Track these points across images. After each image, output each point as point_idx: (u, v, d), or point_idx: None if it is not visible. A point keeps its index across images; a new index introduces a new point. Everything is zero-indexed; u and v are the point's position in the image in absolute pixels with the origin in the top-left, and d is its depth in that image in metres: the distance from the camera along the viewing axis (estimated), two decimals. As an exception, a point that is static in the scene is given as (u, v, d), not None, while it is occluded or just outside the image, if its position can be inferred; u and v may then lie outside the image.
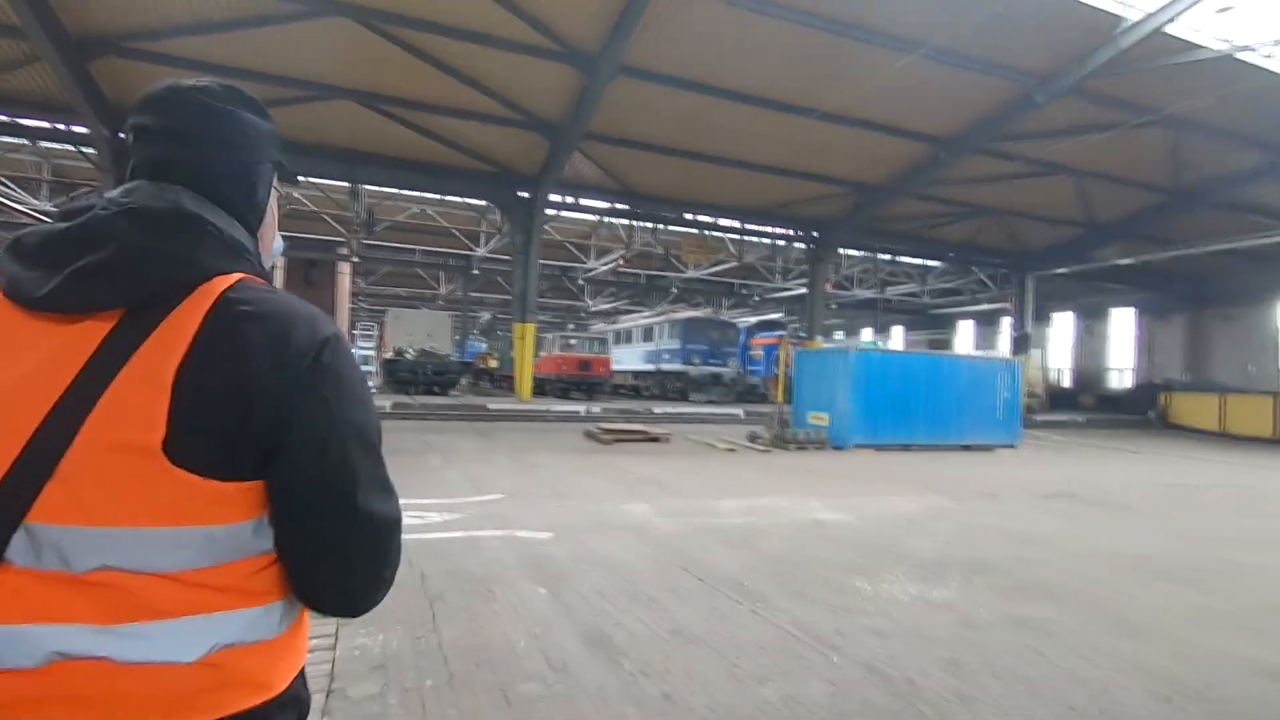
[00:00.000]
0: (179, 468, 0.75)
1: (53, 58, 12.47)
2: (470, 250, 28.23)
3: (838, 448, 14.14)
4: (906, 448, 14.64)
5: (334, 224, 21.99)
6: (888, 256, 27.29)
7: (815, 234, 22.84)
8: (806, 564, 5.33)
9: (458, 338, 32.53)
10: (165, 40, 12.90)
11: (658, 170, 18.88)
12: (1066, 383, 34.45)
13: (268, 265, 1.03)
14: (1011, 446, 15.78)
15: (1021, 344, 26.46)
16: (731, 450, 13.18)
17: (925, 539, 6.38)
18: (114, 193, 0.87)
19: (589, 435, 13.97)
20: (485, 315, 52.34)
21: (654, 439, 13.85)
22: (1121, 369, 32.50)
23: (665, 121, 16.42)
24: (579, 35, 13.20)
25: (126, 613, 0.75)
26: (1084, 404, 30.63)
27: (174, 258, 0.81)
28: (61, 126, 15.79)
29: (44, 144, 17.85)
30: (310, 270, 35.52)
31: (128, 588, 0.75)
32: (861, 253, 29.36)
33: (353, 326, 42.07)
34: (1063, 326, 35.39)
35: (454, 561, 5.02)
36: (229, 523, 0.79)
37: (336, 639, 3.49)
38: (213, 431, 0.77)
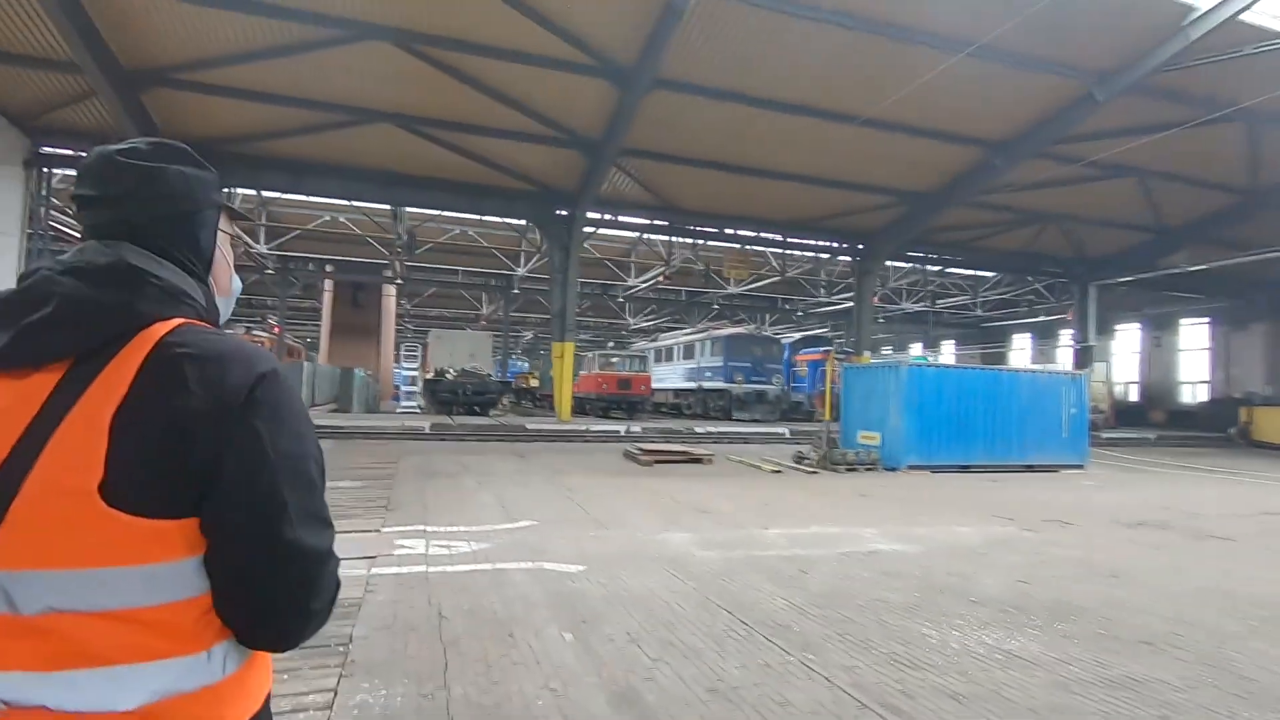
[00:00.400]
0: (116, 509, 0.78)
1: (106, 91, 12.87)
2: (510, 270, 28.36)
3: (890, 469, 13.41)
4: (964, 469, 13.81)
5: (378, 246, 22.28)
6: (937, 268, 26.29)
7: (861, 246, 22.12)
8: (863, 604, 4.78)
9: (499, 357, 32.66)
10: (212, 70, 13.20)
11: (697, 184, 18.55)
12: (1133, 398, 32.62)
13: (228, 309, 1.07)
14: (1079, 467, 14.76)
15: (1084, 357, 25.08)
16: (777, 472, 12.59)
17: (996, 575, 5.75)
18: (65, 255, 0.91)
19: (628, 456, 13.56)
20: (528, 335, 52.71)
21: (696, 460, 13.36)
22: (1194, 383, 30.58)
23: (704, 134, 16.10)
24: (614, 48, 13.01)
25: (67, 659, 0.77)
26: (1153, 420, 28.90)
27: (114, 307, 0.85)
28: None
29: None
30: (356, 293, 36.37)
31: (70, 633, 0.77)
32: (909, 264, 28.45)
33: (397, 348, 42.75)
34: (1128, 338, 33.59)
35: (476, 599, 4.65)
36: (170, 560, 0.81)
37: (335, 694, 3.14)
38: (150, 471, 0.80)
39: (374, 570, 5.27)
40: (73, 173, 18.31)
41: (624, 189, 18.71)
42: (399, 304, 39.12)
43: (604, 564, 5.70)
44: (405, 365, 26.22)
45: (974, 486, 11.73)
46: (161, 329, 0.85)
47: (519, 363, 47.21)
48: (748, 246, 22.70)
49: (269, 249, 25.03)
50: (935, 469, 13.50)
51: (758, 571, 5.64)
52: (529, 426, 17.00)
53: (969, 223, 21.26)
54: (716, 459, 13.68)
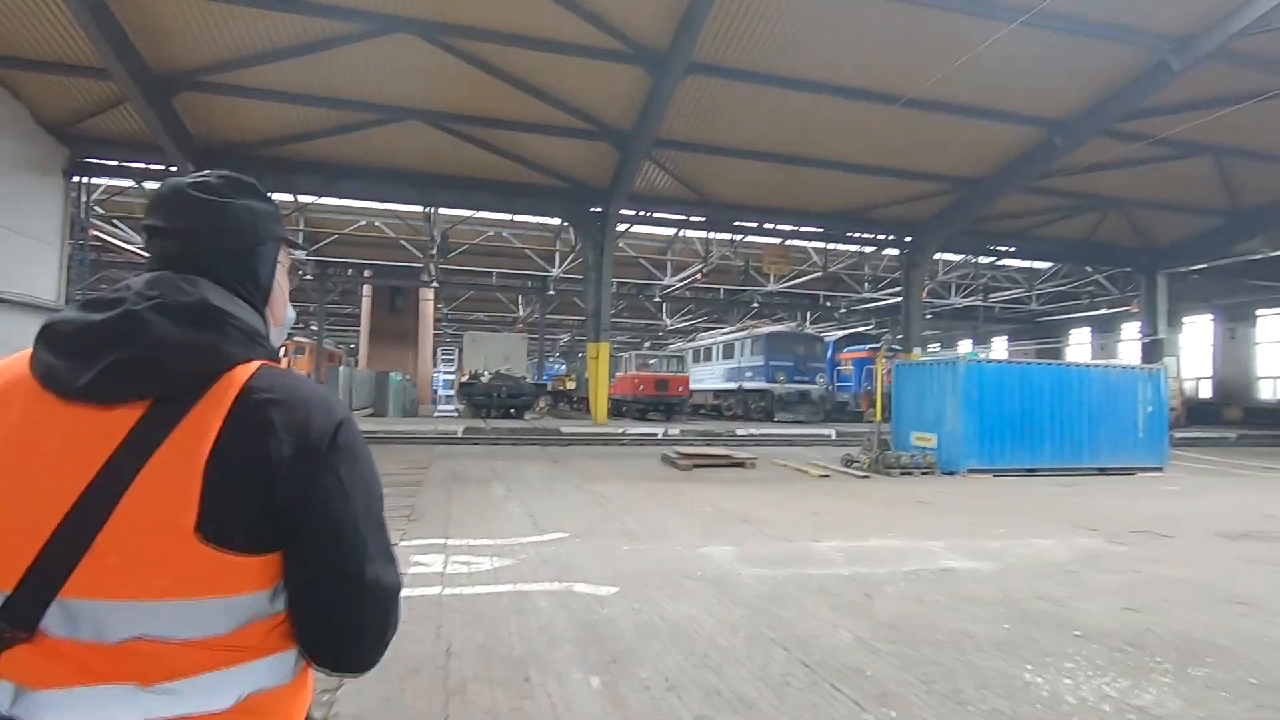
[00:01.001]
0: (209, 544, 0.82)
1: (137, 96, 12.79)
2: (545, 271, 28.01)
3: (948, 473, 12.49)
4: (1030, 472, 12.79)
5: (412, 249, 22.11)
6: (990, 259, 24.98)
7: (909, 237, 21.05)
8: (944, 639, 4.05)
9: (535, 360, 32.35)
10: (239, 71, 13.02)
11: (735, 176, 17.81)
12: (1204, 394, 30.63)
13: (280, 338, 1.08)
14: (1157, 470, 13.58)
15: (1153, 351, 23.50)
16: (825, 476, 11.79)
17: (1095, 600, 4.93)
18: (138, 284, 0.93)
19: (666, 460, 12.91)
20: (564, 337, 52.49)
21: (738, 464, 12.63)
22: (1274, 378, 28.51)
23: (741, 122, 15.37)
24: (645, 33, 12.41)
25: (160, 673, 0.83)
26: (1228, 418, 27.00)
27: (201, 350, 0.88)
28: (158, 165, 16.35)
29: (149, 185, 18.69)
30: (395, 298, 36.54)
31: (157, 654, 0.82)
32: (960, 256, 27.19)
33: (436, 352, 42.87)
34: (1198, 331, 31.56)
35: (492, 630, 4.07)
36: (250, 592, 0.86)
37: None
38: (240, 511, 0.84)
39: (383, 592, 4.72)
40: (112, 182, 18.63)
41: (658, 183, 18.09)
42: (437, 308, 39.24)
43: (638, 584, 5.07)
44: (443, 369, 26.17)
45: (1045, 492, 10.77)
46: (244, 372, 0.89)
47: (556, 365, 46.94)
48: (789, 241, 21.81)
49: (306, 255, 25.12)
50: (998, 473, 12.52)
51: (814, 594, 4.93)
52: (563, 430, 16.48)
53: (1025, 209, 20.03)
54: (759, 463, 12.94)
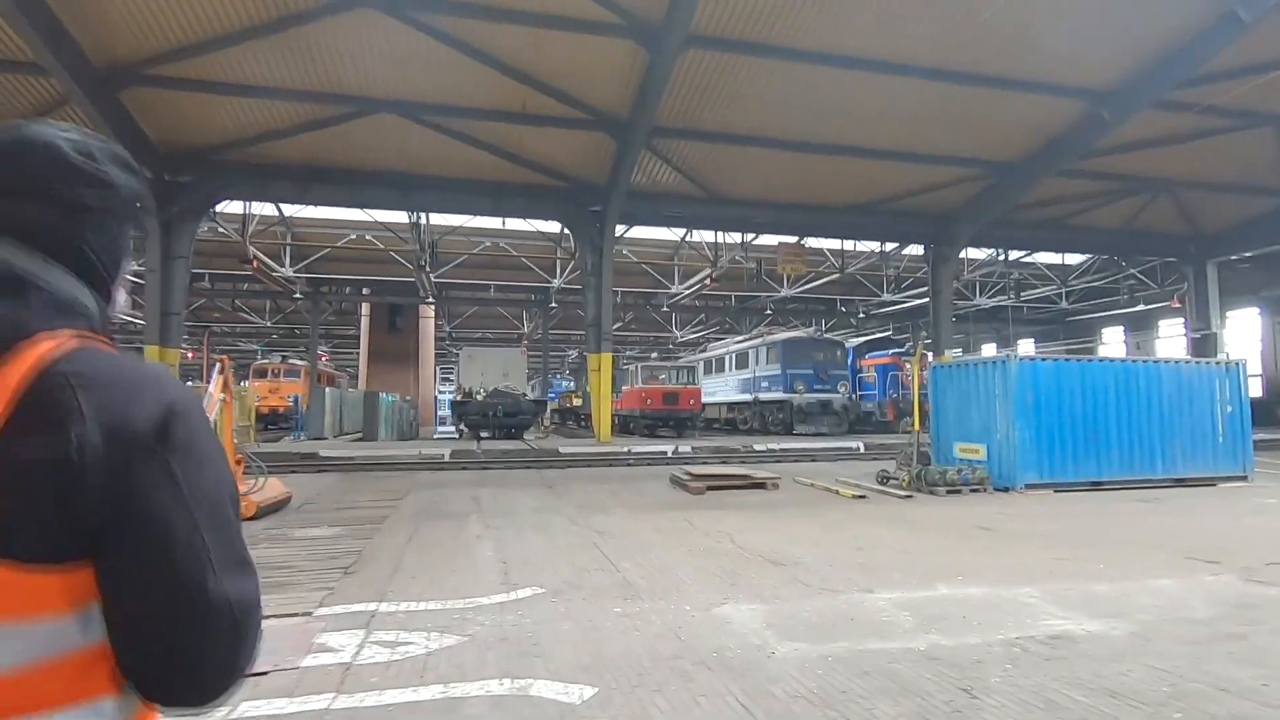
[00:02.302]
0: None
1: (77, 93, 11.52)
2: (546, 282, 26.65)
3: (1003, 489, 10.81)
4: (1096, 486, 11.09)
5: (402, 262, 20.80)
6: (1022, 253, 23.27)
7: (936, 230, 19.41)
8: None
9: (538, 376, 30.90)
10: (189, 60, 11.73)
11: (743, 167, 16.33)
12: (1255, 392, 28.58)
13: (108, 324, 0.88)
14: (1242, 479, 11.82)
15: (1203, 347, 21.67)
16: (861, 498, 10.15)
17: (1311, 692, 3.29)
18: None
19: (675, 482, 11.32)
20: (573, 353, 51.09)
21: (758, 485, 11.01)
22: (1333, 372, 26.49)
23: (748, 104, 13.91)
24: (638, 1, 10.99)
25: None
26: (1283, 418, 25.04)
27: None
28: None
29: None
30: (394, 317, 35.31)
31: None
32: (985, 253, 25.51)
33: (436, 371, 41.41)
34: (1243, 325, 29.58)
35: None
36: (48, 616, 0.71)
37: None
38: (30, 514, 0.70)
39: (243, 709, 3.18)
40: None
41: (661, 178, 16.64)
42: (438, 326, 38.01)
43: (627, 680, 3.49)
44: (441, 389, 25.02)
45: (1124, 511, 9.08)
46: (48, 347, 0.75)
47: (564, 382, 45.54)
48: (804, 239, 20.21)
49: (294, 271, 23.88)
50: (1060, 488, 10.84)
51: (885, 692, 3.33)
52: (563, 450, 14.93)
53: (1060, 196, 18.38)
54: (782, 482, 11.32)
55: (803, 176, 16.83)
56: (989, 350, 40.74)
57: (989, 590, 5.23)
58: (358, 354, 38.34)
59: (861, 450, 16.34)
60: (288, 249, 23.20)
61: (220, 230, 19.55)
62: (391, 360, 34.10)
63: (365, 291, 32.01)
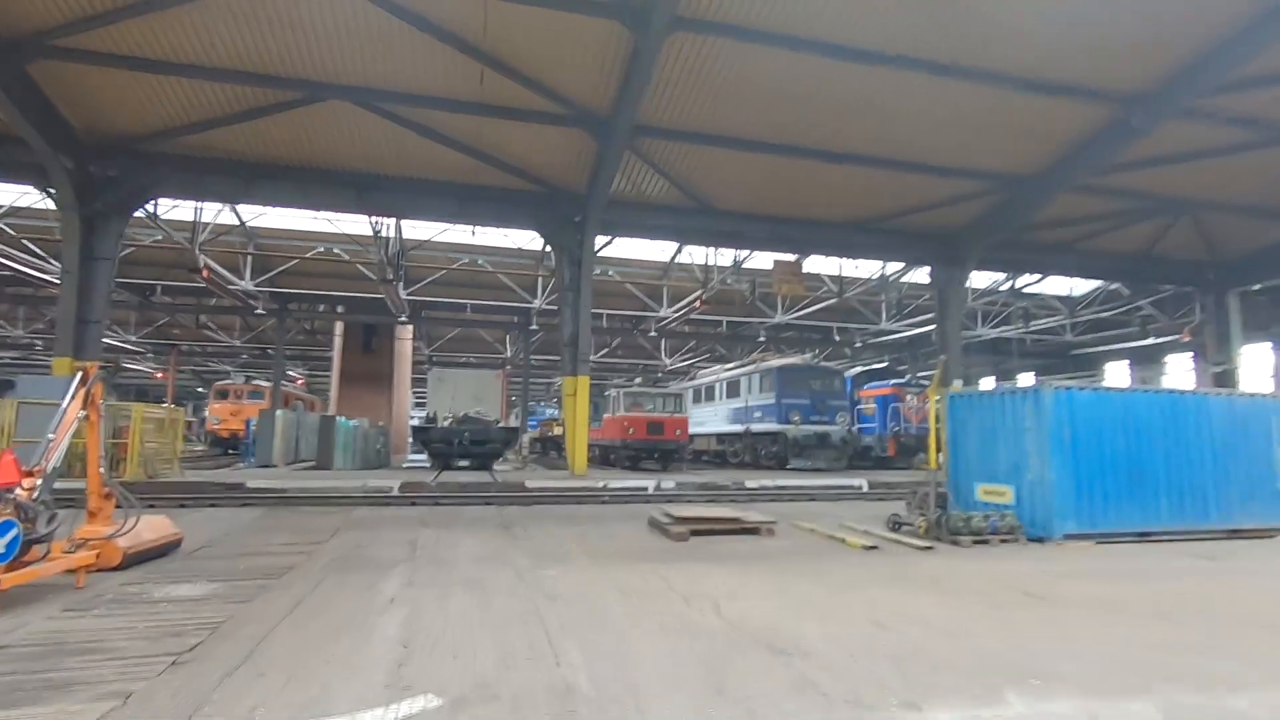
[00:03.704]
0: None
1: (-25, 65, 10.01)
2: (527, 303, 25.15)
3: (1037, 539, 9.23)
4: (1143, 537, 9.54)
5: (369, 274, 19.25)
6: (1028, 281, 21.98)
7: (940, 250, 18.08)
8: None
9: (517, 402, 29.18)
10: (103, 30, 10.26)
11: (737, 174, 14.98)
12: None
13: None
14: (1306, 530, 10.26)
15: (1223, 382, 20.31)
16: (873, 548, 8.52)
17: None
18: None
19: (655, 525, 9.66)
20: (558, 380, 49.40)
21: (750, 530, 9.37)
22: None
23: (740, 98, 12.59)
24: (619, -28, 9.69)
25: None
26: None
27: None
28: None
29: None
30: (369, 338, 33.63)
31: None
32: (989, 280, 24.26)
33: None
34: (1255, 361, 28.37)
35: None
36: None
37: None
38: None
39: None
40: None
41: (646, 186, 15.26)
42: (416, 349, 36.35)
43: None
44: (414, 414, 23.45)
45: (1193, 571, 7.53)
46: None
47: (547, 409, 43.83)
48: (801, 256, 18.80)
49: (255, 285, 22.25)
50: (1103, 538, 9.28)
51: None
52: (529, 485, 13.24)
53: (1075, 215, 17.14)
54: (779, 526, 9.69)
55: (800, 188, 15.51)
56: (988, 384, 39.42)
57: (1083, 704, 3.62)
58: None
59: (865, 489, 14.73)
60: (248, 260, 21.60)
61: (165, 236, 17.93)
62: (365, 383, 32.36)
63: (339, 310, 30.41)
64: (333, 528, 9.41)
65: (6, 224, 18.85)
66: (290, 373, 51.06)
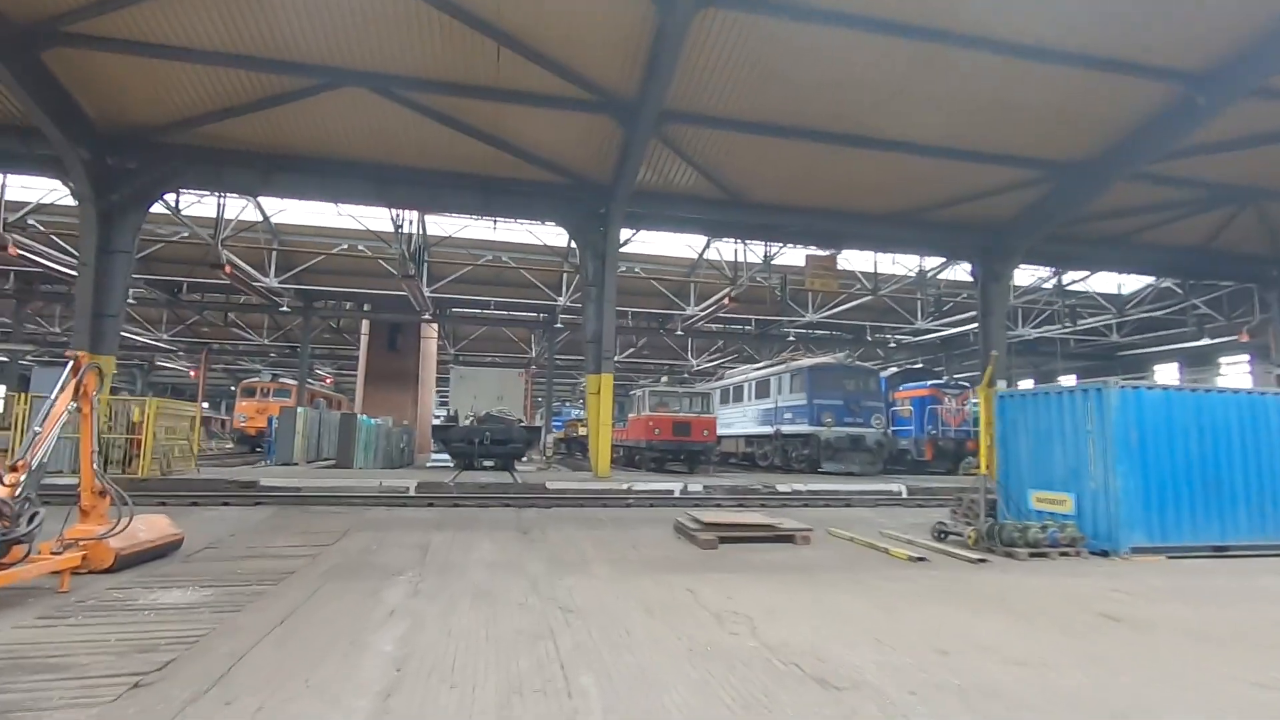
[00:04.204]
0: None
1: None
2: (552, 300, 24.72)
3: (1100, 552, 8.43)
4: (1219, 551, 8.67)
5: (390, 269, 18.95)
6: (1075, 277, 20.89)
7: (984, 244, 17.17)
8: None
9: (542, 401, 28.78)
10: (116, 14, 9.99)
11: (768, 163, 14.30)
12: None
13: None
14: (1401, 546, 9.26)
15: (1289, 385, 18.99)
16: (920, 560, 7.80)
17: None
18: None
19: (681, 531, 9.05)
20: (584, 380, 48.98)
21: (784, 538, 8.71)
22: None
23: (775, 81, 11.94)
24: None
25: None
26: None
27: None
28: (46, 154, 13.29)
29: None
30: (395, 336, 33.55)
31: None
32: (1032, 277, 23.17)
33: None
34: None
35: None
36: None
37: None
38: None
39: None
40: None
41: (674, 176, 14.66)
42: (441, 347, 36.22)
43: None
44: (436, 412, 23.25)
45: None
46: None
47: (571, 410, 43.41)
48: (836, 251, 17.99)
49: (280, 281, 22.13)
50: (1175, 553, 8.45)
51: None
52: (550, 486, 12.71)
53: (1129, 206, 16.11)
54: (814, 534, 9.01)
55: (835, 178, 14.78)
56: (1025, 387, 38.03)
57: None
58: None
59: (904, 495, 13.95)
60: (272, 257, 21.49)
61: (191, 233, 17.82)
62: (390, 382, 32.27)
63: (366, 308, 30.32)
64: (343, 529, 8.97)
65: (38, 220, 18.94)
66: (319, 371, 51.48)
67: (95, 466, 6.46)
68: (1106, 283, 24.74)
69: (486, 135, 12.85)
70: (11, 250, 17.09)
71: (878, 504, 13.12)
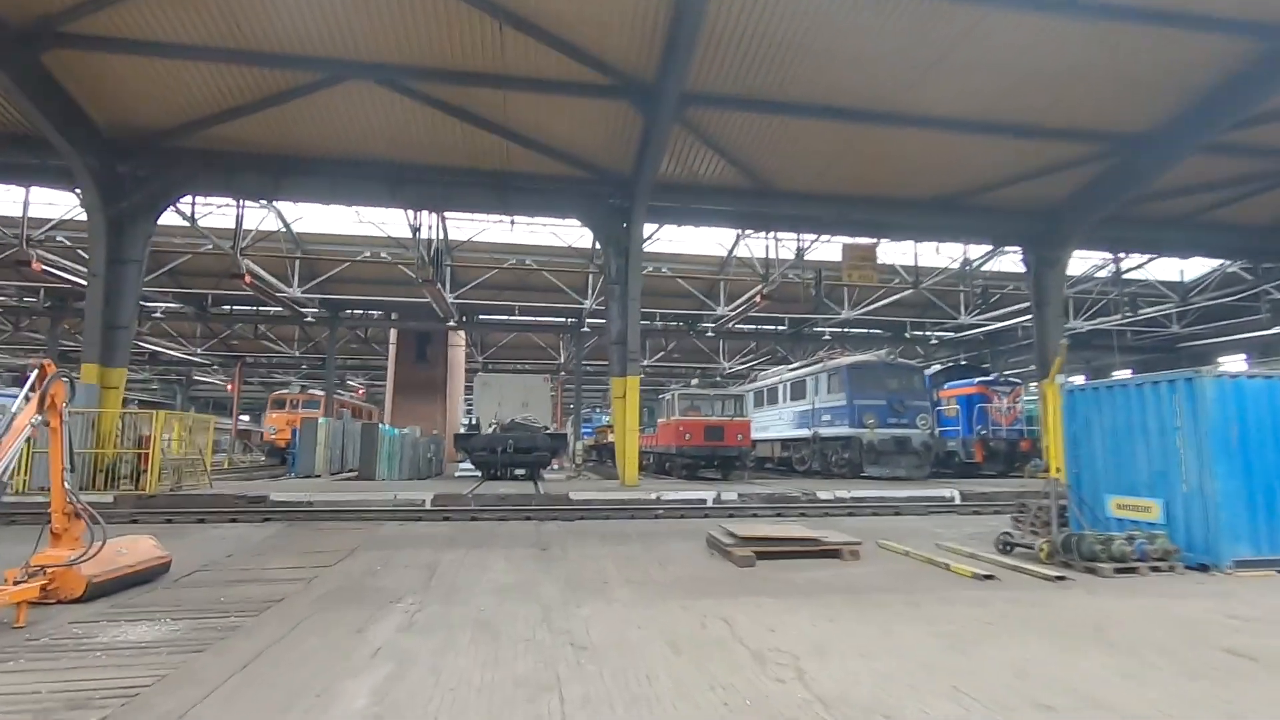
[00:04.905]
0: None
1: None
2: (578, 303, 24.07)
3: (1199, 566, 7.35)
4: (1338, 564, 7.47)
5: (409, 273, 18.49)
6: (1134, 263, 19.48)
7: (1036, 228, 15.97)
8: None
9: (572, 408, 28.12)
10: (112, 9, 9.57)
11: (799, 147, 13.42)
12: None
13: None
14: None
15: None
16: (988, 578, 6.83)
17: None
18: None
19: (714, 546, 8.21)
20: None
21: (830, 553, 7.81)
22: None
23: (804, 55, 11.02)
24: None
25: None
26: None
27: None
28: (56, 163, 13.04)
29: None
30: (423, 346, 33.30)
31: None
32: (1084, 266, 21.75)
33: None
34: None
35: None
36: None
37: None
38: None
39: None
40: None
41: (699, 166, 13.86)
42: (469, 355, 35.90)
43: None
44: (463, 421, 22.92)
45: None
46: None
47: (601, 416, 42.77)
48: (875, 240, 16.90)
49: (303, 291, 21.88)
50: (1287, 566, 7.29)
51: None
52: (574, 496, 11.97)
53: (1196, 181, 14.80)
54: (862, 547, 8.08)
55: (872, 160, 13.81)
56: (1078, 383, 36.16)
57: None
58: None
59: (957, 500, 12.87)
60: (295, 266, 21.24)
61: (214, 246, 17.59)
62: (419, 392, 32.06)
63: (394, 316, 30.09)
64: (350, 547, 8.33)
65: (64, 236, 18.94)
66: (351, 382, 51.76)
67: (67, 485, 5.90)
68: (1167, 269, 23.16)
69: (499, 127, 12.22)
70: (36, 266, 17.04)
71: (930, 511, 12.09)
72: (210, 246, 18.97)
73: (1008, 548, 8.37)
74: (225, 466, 28.19)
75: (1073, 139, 13.16)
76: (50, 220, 17.47)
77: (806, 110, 12.15)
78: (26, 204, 16.58)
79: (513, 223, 16.85)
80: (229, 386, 48.85)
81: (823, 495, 12.57)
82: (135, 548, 6.55)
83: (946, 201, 15.39)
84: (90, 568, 5.75)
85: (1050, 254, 15.66)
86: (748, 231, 19.82)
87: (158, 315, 25.36)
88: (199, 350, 34.24)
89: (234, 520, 10.17)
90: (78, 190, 12.54)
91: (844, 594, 6.16)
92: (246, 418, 52.81)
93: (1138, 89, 11.88)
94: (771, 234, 18.61)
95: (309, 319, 24.75)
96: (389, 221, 20.02)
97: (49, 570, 5.55)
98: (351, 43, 10.49)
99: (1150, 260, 21.77)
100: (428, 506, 11.17)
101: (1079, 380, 34.99)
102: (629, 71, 11.05)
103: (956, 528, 10.34)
